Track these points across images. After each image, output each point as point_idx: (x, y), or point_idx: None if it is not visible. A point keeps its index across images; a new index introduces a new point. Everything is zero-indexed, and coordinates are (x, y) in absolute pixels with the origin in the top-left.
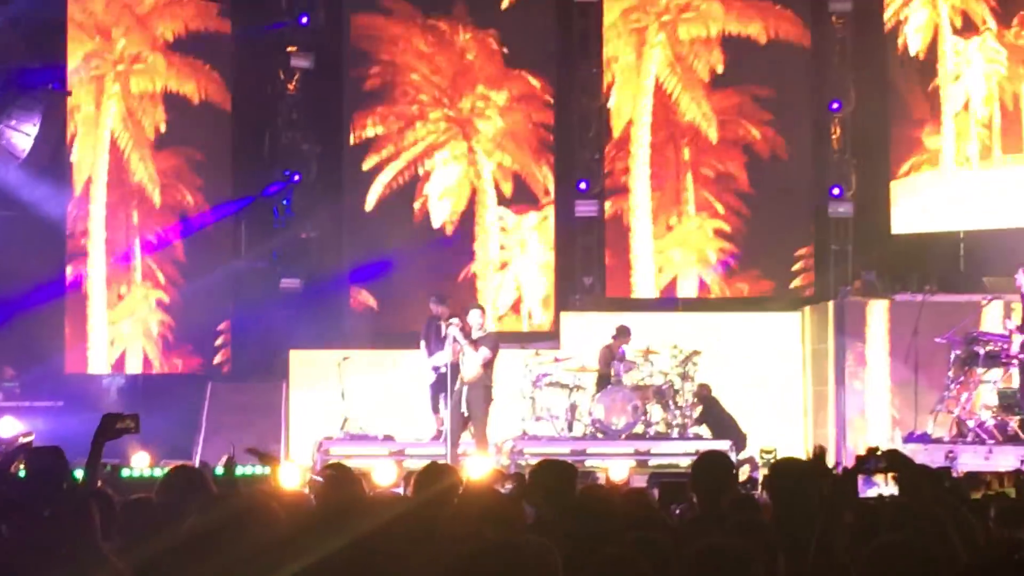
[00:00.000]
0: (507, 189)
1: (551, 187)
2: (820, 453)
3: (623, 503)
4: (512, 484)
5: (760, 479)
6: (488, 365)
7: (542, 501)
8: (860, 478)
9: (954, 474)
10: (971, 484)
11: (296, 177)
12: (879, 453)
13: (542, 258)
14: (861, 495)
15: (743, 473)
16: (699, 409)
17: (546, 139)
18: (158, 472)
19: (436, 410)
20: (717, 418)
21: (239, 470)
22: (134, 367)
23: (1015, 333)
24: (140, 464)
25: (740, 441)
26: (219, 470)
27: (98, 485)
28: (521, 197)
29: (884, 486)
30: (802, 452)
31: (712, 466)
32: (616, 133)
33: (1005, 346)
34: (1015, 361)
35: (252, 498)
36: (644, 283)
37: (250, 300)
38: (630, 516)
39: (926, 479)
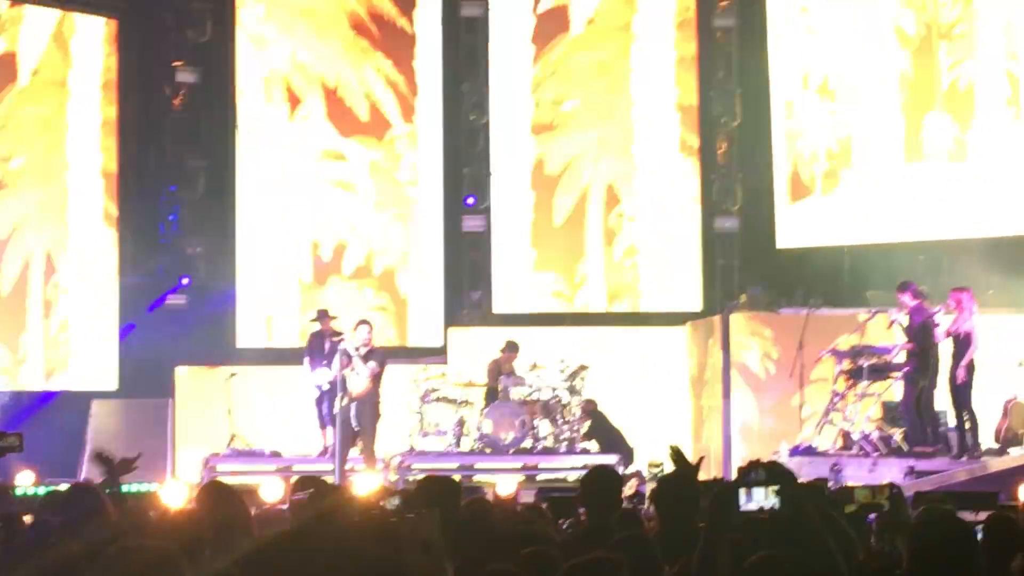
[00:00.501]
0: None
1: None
2: (698, 463)
3: (510, 518)
4: (399, 499)
5: (647, 493)
6: (376, 380)
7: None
8: (742, 491)
9: (832, 486)
10: (845, 497)
11: (181, 192)
12: (759, 465)
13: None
14: (743, 508)
15: (630, 487)
16: (587, 424)
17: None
18: (42, 490)
19: (323, 426)
20: (604, 432)
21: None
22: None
23: (898, 346)
24: (24, 482)
25: (627, 455)
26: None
27: None
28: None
29: (765, 499)
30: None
31: (601, 481)
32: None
33: (888, 359)
34: (898, 374)
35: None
36: (532, 298)
37: (135, 316)
38: (517, 531)
39: (806, 492)
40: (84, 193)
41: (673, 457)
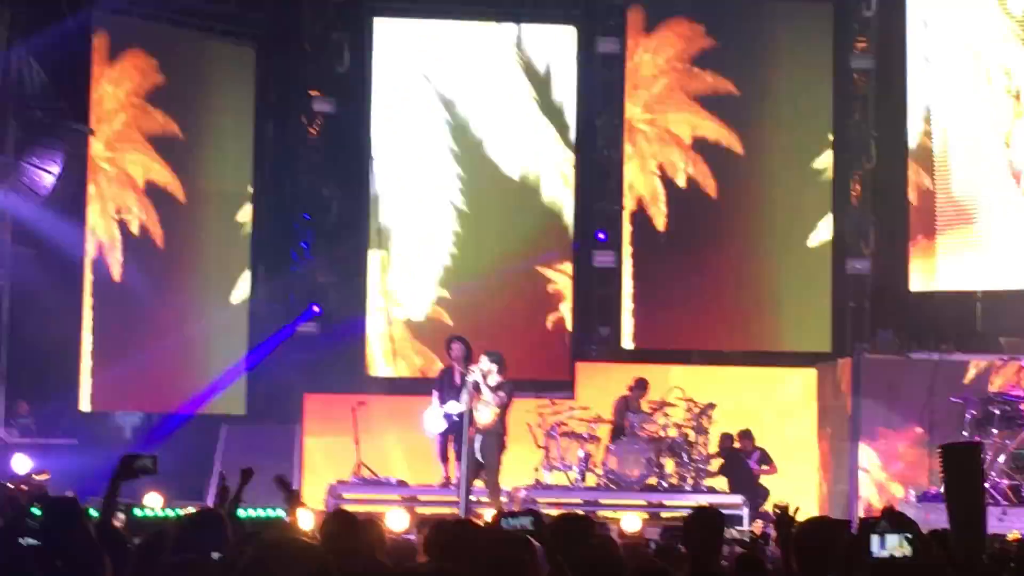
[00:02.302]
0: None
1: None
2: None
3: (638, 557)
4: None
5: (772, 535)
6: (503, 412)
7: (559, 555)
8: (874, 538)
9: None
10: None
11: (315, 220)
12: (887, 516)
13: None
14: (876, 555)
15: (756, 528)
16: (719, 461)
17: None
18: (171, 513)
19: (444, 458)
20: (738, 471)
21: (254, 512)
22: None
23: None
24: (153, 504)
25: (759, 496)
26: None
27: (113, 524)
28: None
29: (898, 547)
30: (815, 508)
31: (702, 523)
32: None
33: (1021, 407)
34: None
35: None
36: (662, 335)
37: (267, 342)
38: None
39: (937, 540)
40: (219, 217)
41: (777, 515)
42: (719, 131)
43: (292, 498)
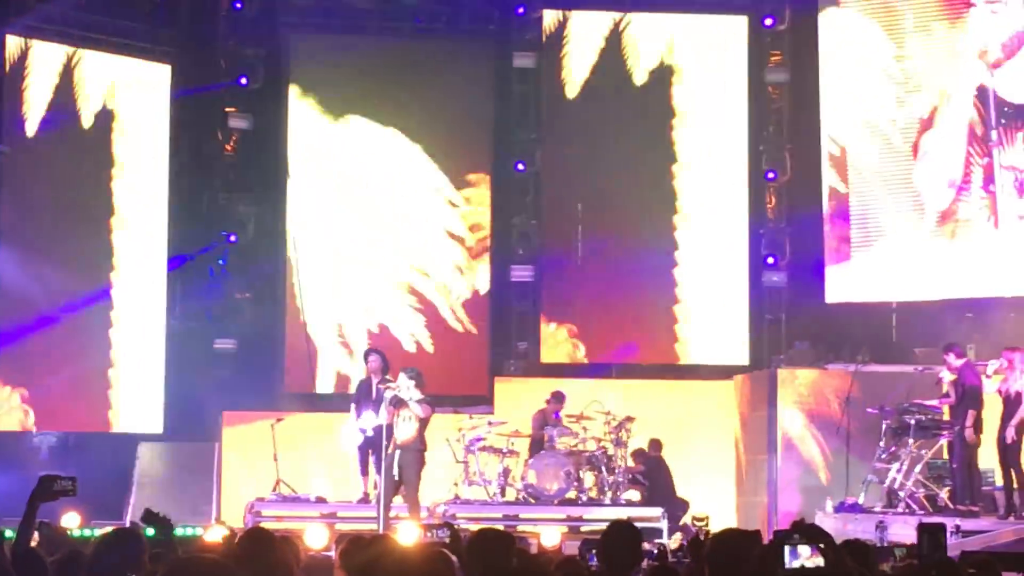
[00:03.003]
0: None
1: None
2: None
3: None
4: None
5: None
6: (422, 428)
7: (477, 572)
8: (787, 549)
9: (877, 544)
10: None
11: (232, 237)
12: (799, 529)
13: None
14: (788, 566)
15: (675, 541)
16: (640, 469)
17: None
18: (88, 532)
19: (364, 472)
20: (657, 481)
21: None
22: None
23: (944, 403)
24: (71, 524)
25: (678, 508)
26: (149, 531)
27: (30, 546)
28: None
29: (810, 558)
30: (734, 520)
31: (619, 536)
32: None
33: (936, 417)
34: (945, 432)
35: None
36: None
37: (184, 360)
38: None
39: (849, 551)
40: (135, 236)
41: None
42: None
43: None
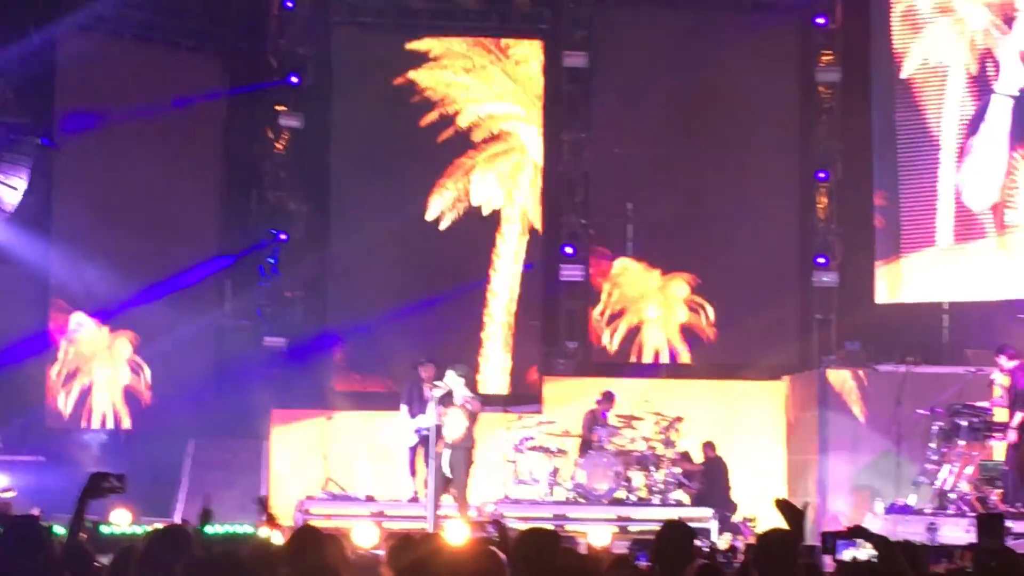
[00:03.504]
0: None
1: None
2: (804, 508)
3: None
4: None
5: (741, 547)
6: (471, 426)
7: (524, 571)
8: (839, 543)
9: (934, 544)
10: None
11: (282, 236)
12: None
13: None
14: (838, 556)
15: (725, 541)
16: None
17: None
18: (138, 529)
19: (414, 472)
20: (717, 481)
21: (224, 527)
22: (116, 422)
23: (996, 405)
24: (120, 521)
25: (729, 509)
26: (210, 528)
27: (79, 542)
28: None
29: (859, 549)
30: (783, 522)
31: (671, 536)
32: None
33: (987, 419)
34: (997, 434)
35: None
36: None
37: (234, 357)
38: None
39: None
40: (188, 232)
41: (781, 508)
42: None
43: (266, 517)
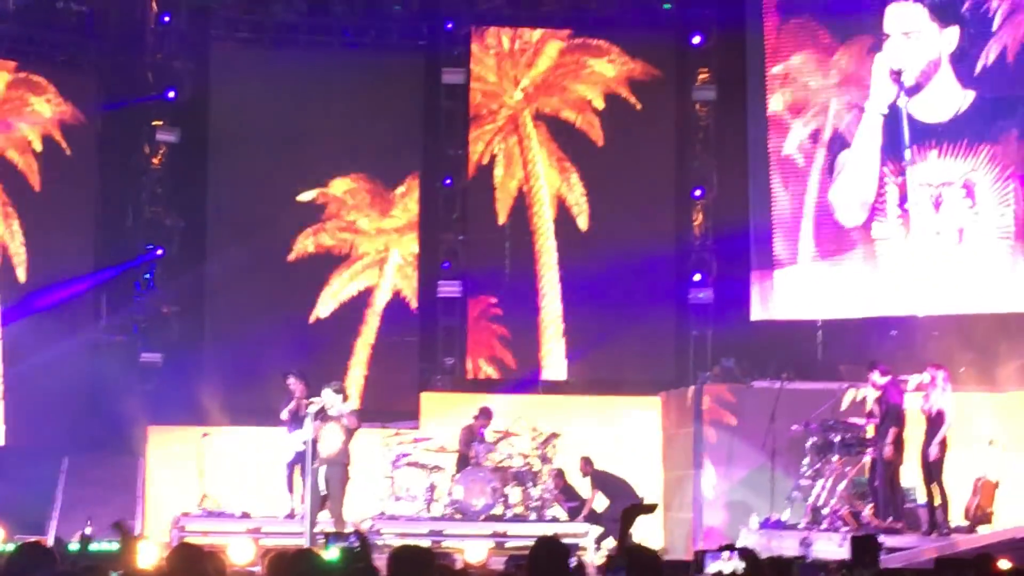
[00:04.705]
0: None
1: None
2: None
3: None
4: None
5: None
6: (347, 442)
7: None
8: (705, 554)
9: (807, 559)
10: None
11: (159, 251)
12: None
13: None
14: (706, 572)
15: (601, 557)
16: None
17: (411, 219)
18: (11, 547)
19: (291, 488)
20: (617, 488)
21: (95, 546)
22: None
23: (869, 422)
24: None
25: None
26: (74, 546)
27: None
28: None
29: (725, 563)
30: (660, 536)
31: (545, 553)
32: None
33: (860, 435)
34: (869, 450)
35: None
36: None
37: (109, 373)
38: None
39: (771, 566)
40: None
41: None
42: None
43: (128, 539)
